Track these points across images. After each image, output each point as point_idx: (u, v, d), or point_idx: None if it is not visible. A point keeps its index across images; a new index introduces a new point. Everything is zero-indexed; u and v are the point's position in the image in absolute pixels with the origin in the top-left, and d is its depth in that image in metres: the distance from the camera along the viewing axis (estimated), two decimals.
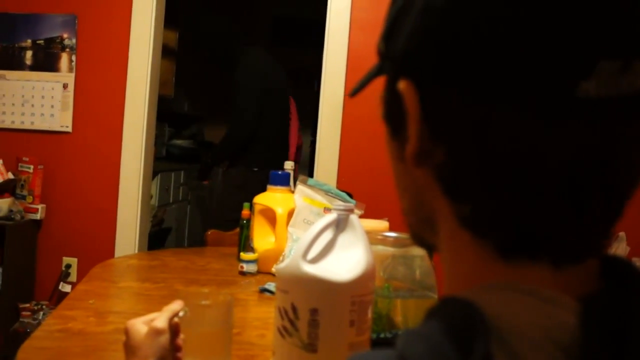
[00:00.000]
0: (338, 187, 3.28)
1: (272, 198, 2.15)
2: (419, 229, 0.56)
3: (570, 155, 0.41)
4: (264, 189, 2.39)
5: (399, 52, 0.48)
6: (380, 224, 1.83)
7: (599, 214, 0.43)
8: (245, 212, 2.25)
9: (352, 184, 3.22)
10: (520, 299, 0.42)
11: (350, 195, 2.15)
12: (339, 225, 1.15)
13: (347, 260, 1.11)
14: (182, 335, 1.04)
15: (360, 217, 2.05)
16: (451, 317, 0.43)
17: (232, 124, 3.72)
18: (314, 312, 1.07)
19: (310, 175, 3.60)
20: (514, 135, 0.41)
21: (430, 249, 0.56)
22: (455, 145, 0.45)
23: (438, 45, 0.43)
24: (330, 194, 2.09)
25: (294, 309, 1.08)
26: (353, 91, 0.62)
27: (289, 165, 2.37)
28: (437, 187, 0.48)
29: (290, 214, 2.06)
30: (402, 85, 0.47)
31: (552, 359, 0.40)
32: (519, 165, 0.42)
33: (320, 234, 1.13)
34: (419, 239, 0.58)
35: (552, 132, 0.40)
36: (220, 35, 3.83)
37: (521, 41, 0.39)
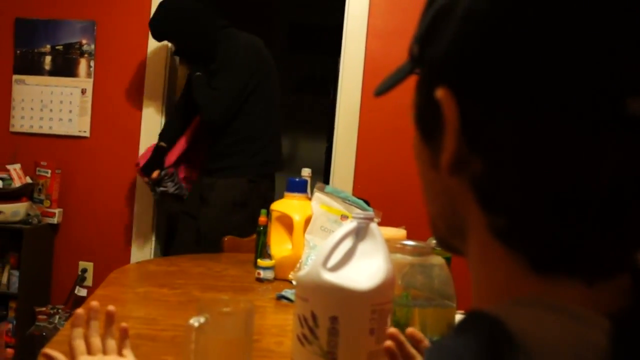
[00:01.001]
0: (354, 195, 3.29)
1: (289, 205, 2.15)
2: (447, 235, 0.55)
3: (613, 172, 0.40)
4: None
5: (438, 58, 0.47)
6: (398, 232, 1.83)
7: (635, 231, 0.43)
8: (262, 218, 2.26)
9: (368, 192, 3.22)
10: (550, 317, 0.42)
11: (367, 203, 2.14)
12: (359, 233, 1.15)
13: (367, 268, 1.11)
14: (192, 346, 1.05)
15: (377, 224, 2.06)
16: (480, 336, 0.43)
17: (206, 105, 3.01)
18: (333, 320, 1.07)
19: (326, 182, 3.61)
20: (558, 150, 0.41)
21: (457, 253, 0.55)
22: (495, 157, 0.44)
23: (482, 54, 0.43)
24: (347, 202, 2.09)
25: (314, 316, 1.09)
26: (379, 91, 0.60)
27: (306, 172, 2.37)
28: (471, 196, 0.47)
29: (308, 221, 2.06)
30: (441, 92, 0.46)
31: None
32: (561, 180, 0.41)
33: (340, 242, 1.13)
34: (446, 244, 0.57)
35: (598, 149, 0.40)
36: (194, 20, 3.10)
37: (573, 56, 0.39)
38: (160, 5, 3.12)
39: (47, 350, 1.05)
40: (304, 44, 6.73)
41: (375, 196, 2.78)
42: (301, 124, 6.67)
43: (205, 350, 1.05)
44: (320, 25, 6.41)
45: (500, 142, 0.43)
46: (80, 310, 1.09)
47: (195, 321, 1.04)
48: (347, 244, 1.14)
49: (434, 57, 0.48)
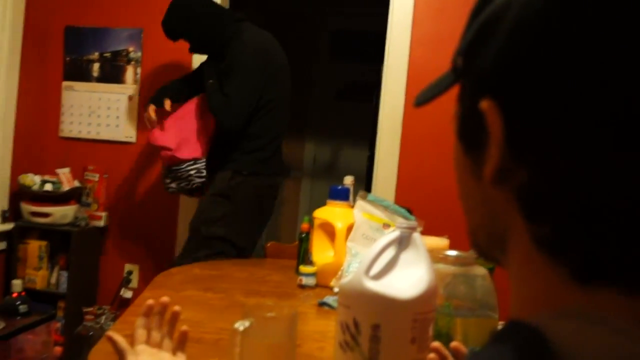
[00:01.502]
0: (397, 203, 3.29)
1: (331, 212, 2.17)
2: (487, 246, 0.55)
3: None
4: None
5: (484, 70, 0.47)
6: (441, 242, 1.84)
7: None
8: (304, 225, 2.28)
9: (411, 200, 3.22)
10: (592, 329, 0.42)
11: (410, 211, 2.15)
12: (402, 242, 1.16)
13: (409, 277, 1.12)
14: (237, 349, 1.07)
15: (419, 234, 2.06)
16: (518, 346, 0.43)
17: (220, 113, 2.93)
18: (375, 327, 1.08)
19: (368, 190, 3.62)
20: (605, 162, 0.41)
21: (497, 263, 0.55)
22: (540, 167, 0.44)
23: (529, 67, 0.43)
24: (389, 210, 2.10)
25: (356, 324, 1.10)
26: (419, 101, 0.60)
27: (348, 180, 2.39)
28: (514, 206, 0.47)
29: (350, 229, 2.08)
30: (486, 104, 0.46)
31: None
32: (607, 192, 0.42)
33: (383, 251, 1.15)
34: (484, 254, 0.57)
35: None
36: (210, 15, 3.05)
37: (623, 71, 0.40)
38: (170, 4, 3.09)
39: (111, 333, 1.09)
40: (347, 52, 6.74)
41: (418, 205, 2.78)
42: (343, 131, 6.69)
43: (249, 353, 1.07)
44: (363, 33, 6.42)
45: (546, 153, 0.43)
46: (151, 301, 1.12)
47: (240, 325, 1.07)
48: (390, 252, 1.15)
49: (480, 69, 0.48)
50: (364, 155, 5.81)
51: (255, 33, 3.08)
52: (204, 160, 3.11)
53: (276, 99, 3.01)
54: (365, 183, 5.00)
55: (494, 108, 0.46)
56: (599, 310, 0.43)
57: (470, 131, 0.52)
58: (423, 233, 1.99)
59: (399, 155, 3.42)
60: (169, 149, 3.07)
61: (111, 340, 1.07)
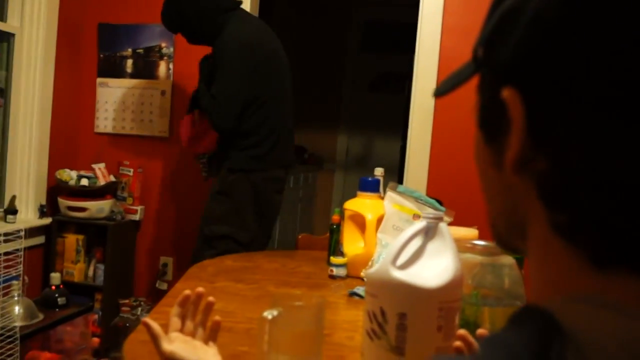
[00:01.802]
0: (428, 194, 3.29)
1: (362, 204, 2.19)
2: (507, 233, 0.56)
3: None
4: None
5: (505, 59, 0.48)
6: (470, 232, 1.84)
7: None
8: (335, 217, 2.30)
9: (442, 191, 3.22)
10: (604, 314, 0.43)
11: (440, 202, 2.16)
12: (428, 232, 1.17)
13: (435, 267, 1.13)
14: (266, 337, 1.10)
15: (450, 224, 2.07)
16: (532, 329, 0.44)
17: (210, 115, 2.93)
18: (402, 316, 1.10)
19: (401, 181, 3.62)
20: (624, 150, 0.42)
21: (516, 252, 0.57)
22: (561, 155, 0.45)
23: (549, 56, 0.44)
24: (420, 201, 2.11)
25: (383, 312, 1.12)
26: (440, 91, 0.61)
27: (378, 171, 2.40)
28: (534, 193, 0.49)
29: (380, 220, 2.09)
30: (507, 93, 0.47)
31: None
32: (626, 179, 0.43)
33: (409, 241, 1.16)
34: (504, 243, 0.58)
35: None
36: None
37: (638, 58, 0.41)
38: None
39: (147, 319, 1.12)
40: (378, 42, 6.73)
41: (449, 196, 2.79)
42: (376, 123, 6.69)
43: (277, 341, 1.10)
44: (393, 23, 6.40)
45: (566, 141, 0.44)
46: (187, 292, 1.15)
47: (268, 314, 1.10)
48: (416, 242, 1.16)
49: (501, 59, 0.49)
50: (396, 146, 5.81)
51: (239, 25, 2.99)
52: (206, 156, 3.17)
53: (266, 93, 2.96)
54: (398, 174, 5.01)
55: (515, 97, 0.47)
56: (613, 295, 0.44)
57: (491, 121, 0.53)
58: (453, 223, 2.00)
59: (430, 146, 3.42)
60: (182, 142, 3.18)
61: (147, 326, 1.11)
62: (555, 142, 0.46)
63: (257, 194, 2.92)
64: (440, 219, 1.19)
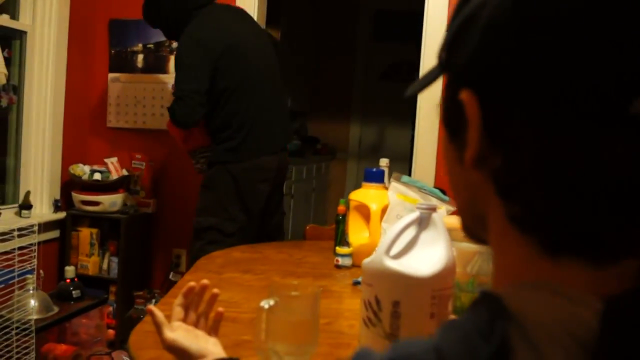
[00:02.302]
0: (435, 184, 3.31)
1: (366, 194, 2.21)
2: (471, 225, 0.61)
3: (619, 165, 0.45)
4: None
5: (462, 64, 0.52)
6: None
7: None
8: (341, 207, 2.33)
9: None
10: (547, 297, 0.47)
11: (444, 192, 2.18)
12: (422, 223, 1.21)
13: (428, 256, 1.17)
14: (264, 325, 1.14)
15: (453, 213, 2.09)
16: (483, 312, 0.49)
17: (174, 109, 2.96)
18: (396, 304, 1.14)
19: (409, 170, 3.65)
20: (569, 146, 0.46)
21: (481, 242, 0.61)
22: (513, 152, 0.49)
23: (501, 61, 0.48)
24: (423, 191, 2.13)
25: (378, 301, 1.16)
26: (410, 92, 0.65)
27: (383, 162, 2.43)
28: (490, 187, 0.52)
29: (384, 210, 2.12)
30: (464, 95, 0.51)
31: (567, 351, 0.44)
32: (571, 173, 0.46)
33: (403, 231, 1.19)
34: (470, 233, 0.62)
35: (605, 145, 0.45)
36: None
37: (580, 62, 0.44)
38: None
39: (152, 307, 1.16)
40: (390, 31, 6.73)
41: None
42: (388, 111, 6.70)
43: (275, 329, 1.14)
44: (405, 12, 6.40)
45: (518, 138, 0.48)
46: (192, 283, 1.19)
47: (265, 303, 1.14)
48: (410, 233, 1.20)
49: (459, 63, 0.53)
50: (408, 135, 5.83)
51: (198, 22, 2.99)
52: (196, 151, 3.22)
53: (232, 85, 2.95)
54: (408, 163, 5.03)
55: (471, 98, 0.51)
56: (562, 280, 0.48)
57: (453, 120, 0.57)
58: (456, 213, 2.03)
59: (438, 135, 3.44)
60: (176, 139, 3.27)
61: (151, 313, 1.14)
62: (507, 140, 0.49)
63: (237, 184, 2.95)
64: (433, 209, 1.22)
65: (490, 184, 0.52)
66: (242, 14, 3.24)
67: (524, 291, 0.49)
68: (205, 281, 1.21)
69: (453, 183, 0.61)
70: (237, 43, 2.98)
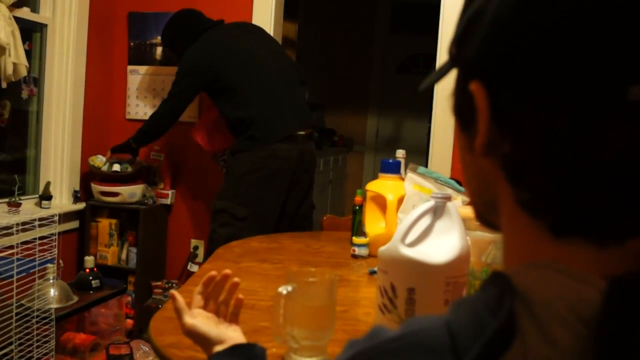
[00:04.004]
0: (452, 175, 3.32)
1: (383, 185, 2.23)
2: (483, 211, 0.63)
3: (620, 149, 0.47)
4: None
5: (471, 57, 0.55)
6: None
7: None
8: (357, 198, 2.35)
9: None
10: (553, 276, 0.49)
11: (460, 183, 2.19)
12: (436, 212, 1.23)
13: (442, 244, 1.18)
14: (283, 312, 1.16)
15: (468, 204, 2.11)
16: (493, 290, 0.51)
17: (159, 110, 3.48)
18: (410, 291, 1.16)
19: (426, 162, 3.66)
20: (572, 131, 0.48)
21: (493, 227, 0.63)
22: (521, 139, 0.51)
23: (507, 53, 0.51)
24: (439, 182, 2.15)
25: (393, 288, 1.18)
26: (423, 86, 0.68)
27: (400, 153, 2.44)
28: (500, 174, 0.55)
29: (401, 201, 2.14)
30: (474, 86, 0.54)
31: (570, 327, 0.46)
32: (577, 158, 0.48)
33: (418, 220, 1.21)
34: (483, 220, 0.64)
35: (606, 131, 0.47)
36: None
37: (579, 52, 0.47)
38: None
39: (174, 291, 1.19)
40: (407, 23, 6.73)
41: None
42: (405, 104, 6.70)
43: (292, 315, 1.16)
44: (423, 4, 6.40)
45: (525, 126, 0.51)
46: (214, 273, 1.21)
47: (283, 289, 1.16)
48: (425, 221, 1.22)
49: (468, 56, 0.56)
50: (425, 127, 5.83)
51: (204, 40, 3.35)
52: (217, 155, 3.60)
53: (237, 82, 3.21)
54: (425, 155, 5.04)
55: (480, 89, 0.54)
56: (568, 260, 0.50)
57: (463, 110, 0.59)
58: (469, 200, 2.04)
59: (454, 128, 3.43)
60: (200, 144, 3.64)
61: (173, 298, 1.17)
62: (515, 127, 0.52)
63: (252, 171, 3.12)
64: (448, 199, 1.24)
65: (500, 170, 0.55)
66: (247, 25, 3.57)
67: (531, 270, 0.51)
68: (227, 271, 1.23)
69: (465, 171, 0.63)
70: (246, 49, 3.29)
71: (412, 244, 1.19)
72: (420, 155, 5.16)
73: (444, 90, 3.43)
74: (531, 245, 0.53)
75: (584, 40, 0.46)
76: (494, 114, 0.53)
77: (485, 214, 0.63)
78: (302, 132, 3.27)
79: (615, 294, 0.47)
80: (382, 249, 1.23)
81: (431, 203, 1.23)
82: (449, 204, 1.24)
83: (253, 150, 3.12)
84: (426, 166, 3.44)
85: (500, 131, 0.53)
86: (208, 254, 2.98)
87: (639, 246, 0.50)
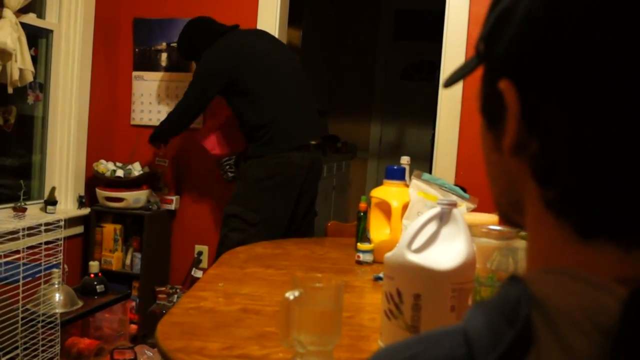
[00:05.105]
0: (456, 182, 3.32)
1: (388, 192, 2.24)
2: (508, 211, 0.62)
3: None
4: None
5: (501, 54, 0.55)
6: (491, 218, 1.88)
7: None
8: (362, 204, 2.36)
9: (470, 178, 3.26)
10: (571, 283, 0.49)
11: (464, 190, 2.20)
12: (442, 218, 1.23)
13: (448, 250, 1.19)
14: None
15: (473, 210, 2.11)
16: (509, 295, 0.51)
17: (176, 110, 3.50)
18: (417, 297, 1.16)
19: (430, 168, 3.66)
20: (602, 131, 0.48)
21: (518, 227, 0.63)
22: (550, 138, 0.51)
23: (538, 51, 0.50)
24: (444, 188, 2.16)
25: (399, 293, 1.18)
26: (448, 82, 0.67)
27: (404, 160, 2.45)
28: (527, 173, 0.54)
29: (405, 207, 2.14)
30: (503, 84, 0.54)
31: (588, 336, 0.46)
32: (606, 158, 0.48)
33: (424, 226, 1.22)
34: (507, 219, 0.64)
35: (637, 131, 0.47)
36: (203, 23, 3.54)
37: (612, 51, 0.46)
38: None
39: None
40: (411, 31, 6.75)
41: (477, 184, 2.82)
42: (408, 110, 6.71)
43: (299, 320, 1.17)
44: (425, 12, 6.42)
45: (554, 125, 0.50)
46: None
47: (290, 294, 1.17)
48: (431, 228, 1.23)
49: (497, 54, 0.56)
50: (429, 134, 5.84)
51: (222, 43, 3.36)
52: (234, 156, 3.60)
53: (256, 87, 3.22)
54: (429, 162, 5.04)
55: (510, 88, 0.53)
56: (588, 263, 0.50)
57: (491, 109, 0.59)
58: (477, 210, 2.05)
59: (458, 134, 3.45)
60: (207, 149, 3.68)
61: None
62: (544, 127, 0.51)
63: (266, 177, 3.14)
64: (454, 205, 1.24)
65: (527, 170, 0.55)
66: (261, 32, 3.56)
67: (549, 276, 0.51)
68: None
69: (490, 170, 0.63)
70: (264, 54, 3.30)
71: (419, 250, 1.19)
72: (423, 161, 5.17)
73: (449, 96, 3.44)
74: (556, 247, 0.53)
75: (617, 38, 0.46)
76: (523, 112, 0.53)
77: (510, 214, 0.62)
78: (314, 142, 3.30)
79: (635, 304, 0.46)
80: (389, 254, 1.23)
81: (437, 209, 1.24)
82: (455, 211, 1.24)
83: (267, 157, 3.14)
84: (430, 173, 3.45)
85: (529, 130, 0.53)
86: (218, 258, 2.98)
87: None
